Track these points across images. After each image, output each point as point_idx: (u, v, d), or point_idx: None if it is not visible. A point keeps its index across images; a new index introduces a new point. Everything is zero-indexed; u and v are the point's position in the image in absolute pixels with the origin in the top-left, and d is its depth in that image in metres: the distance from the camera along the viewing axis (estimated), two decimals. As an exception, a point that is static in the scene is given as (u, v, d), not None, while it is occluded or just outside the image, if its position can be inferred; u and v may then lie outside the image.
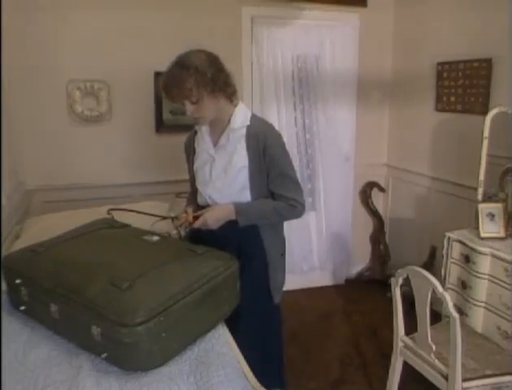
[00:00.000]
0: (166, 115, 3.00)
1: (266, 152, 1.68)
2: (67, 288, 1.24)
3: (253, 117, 1.75)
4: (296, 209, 1.73)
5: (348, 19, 3.40)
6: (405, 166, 3.51)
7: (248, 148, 1.69)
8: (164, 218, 2.16)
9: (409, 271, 1.87)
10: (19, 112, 2.68)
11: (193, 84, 1.57)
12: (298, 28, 3.26)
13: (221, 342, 1.30)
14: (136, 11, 2.85)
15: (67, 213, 2.23)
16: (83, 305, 1.18)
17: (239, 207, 1.69)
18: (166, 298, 1.19)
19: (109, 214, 2.03)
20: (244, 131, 1.71)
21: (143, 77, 2.92)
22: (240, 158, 1.70)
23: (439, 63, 3.06)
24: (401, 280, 1.93)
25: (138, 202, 2.41)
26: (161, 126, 3.01)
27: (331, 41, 3.35)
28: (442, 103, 3.09)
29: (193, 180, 1.92)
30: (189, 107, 1.62)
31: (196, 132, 1.86)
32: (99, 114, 2.85)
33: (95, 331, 1.13)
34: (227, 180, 1.72)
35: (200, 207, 1.84)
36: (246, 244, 1.74)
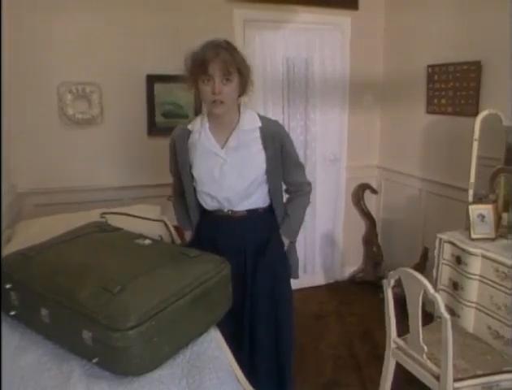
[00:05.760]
0: (158, 118, 3.00)
1: (284, 149, 1.76)
2: (57, 292, 1.24)
3: (260, 117, 1.76)
4: (310, 192, 1.90)
5: (339, 23, 3.41)
6: (397, 167, 3.53)
7: (266, 148, 1.71)
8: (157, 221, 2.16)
9: (400, 273, 1.88)
10: (9, 114, 2.66)
11: (240, 62, 1.61)
12: (290, 32, 3.27)
13: (213, 345, 1.30)
14: (128, 14, 2.84)
15: (58, 216, 2.21)
16: (74, 310, 1.17)
17: (289, 235, 1.84)
18: (158, 302, 1.19)
19: (102, 217, 2.03)
20: (257, 132, 1.72)
21: (135, 80, 2.91)
22: (259, 160, 1.71)
23: (429, 66, 3.09)
24: (392, 282, 1.94)
25: (130, 205, 2.41)
26: (153, 129, 3.00)
27: (323, 44, 3.36)
28: (433, 105, 3.12)
29: (180, 182, 1.83)
30: (219, 84, 1.58)
31: (190, 132, 1.77)
32: (91, 117, 2.83)
33: (86, 335, 1.12)
34: (245, 181, 1.71)
35: (209, 214, 1.80)
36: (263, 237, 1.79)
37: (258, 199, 1.77)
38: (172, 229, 2.16)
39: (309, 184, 1.90)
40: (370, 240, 3.70)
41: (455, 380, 1.75)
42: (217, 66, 1.56)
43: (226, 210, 1.75)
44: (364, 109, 3.60)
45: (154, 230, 2.03)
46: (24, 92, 2.69)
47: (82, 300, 1.18)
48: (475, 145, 2.44)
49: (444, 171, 3.06)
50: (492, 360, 1.89)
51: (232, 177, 1.69)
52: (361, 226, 3.76)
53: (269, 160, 1.72)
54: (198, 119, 1.78)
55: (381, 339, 2.22)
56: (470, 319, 2.24)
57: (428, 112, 3.17)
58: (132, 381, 1.12)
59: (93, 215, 2.03)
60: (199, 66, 1.58)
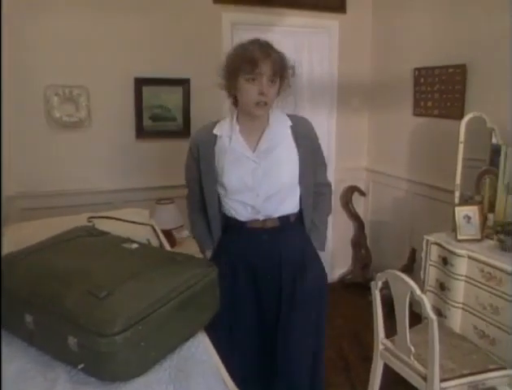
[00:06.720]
0: (146, 122, 2.99)
1: (315, 148, 1.75)
2: (42, 297, 1.22)
3: (289, 115, 1.73)
4: (331, 195, 1.90)
5: (327, 26, 3.44)
6: (385, 170, 3.56)
7: (299, 147, 1.67)
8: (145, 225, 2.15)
9: (388, 275, 1.90)
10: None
11: (287, 65, 1.60)
12: (278, 35, 3.27)
13: (201, 350, 1.29)
14: (115, 16, 2.83)
15: (45, 220, 2.19)
16: (59, 315, 1.15)
17: (320, 246, 1.80)
18: (144, 306, 1.18)
19: (89, 221, 2.01)
20: (289, 131, 1.68)
21: (123, 83, 2.91)
22: (292, 160, 1.66)
23: (416, 69, 3.13)
24: (380, 284, 1.95)
25: (119, 209, 2.39)
26: (141, 132, 2.99)
27: (311, 48, 3.39)
28: (420, 108, 3.16)
29: (201, 193, 1.75)
30: (266, 83, 1.54)
31: (216, 137, 1.68)
32: (78, 120, 2.82)
33: (72, 341, 1.11)
34: (281, 184, 1.65)
35: (236, 226, 1.70)
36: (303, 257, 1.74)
37: (292, 203, 1.70)
38: (160, 233, 2.15)
39: (329, 185, 1.88)
40: (358, 242, 3.72)
41: (442, 380, 1.77)
42: (267, 66, 1.53)
43: (261, 219, 1.66)
44: (352, 111, 3.63)
45: (142, 234, 2.02)
46: (9, 93, 2.67)
47: (68, 305, 1.16)
48: (461, 147, 2.48)
49: (431, 173, 3.10)
50: (477, 359, 1.92)
51: (267, 181, 1.62)
52: (349, 228, 3.78)
53: (301, 159, 1.67)
54: (225, 122, 1.70)
55: (370, 340, 2.23)
56: (456, 320, 2.26)
57: (415, 115, 3.21)
58: (119, 387, 1.11)
59: (82, 219, 2.01)
60: (248, 63, 1.52)
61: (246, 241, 1.69)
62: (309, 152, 1.70)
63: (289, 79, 1.64)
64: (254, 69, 1.52)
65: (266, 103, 1.57)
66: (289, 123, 1.69)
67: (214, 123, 1.72)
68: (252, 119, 1.64)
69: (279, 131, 1.67)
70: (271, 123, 1.66)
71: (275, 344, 1.67)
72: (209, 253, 1.81)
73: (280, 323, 1.67)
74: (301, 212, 1.73)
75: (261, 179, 1.62)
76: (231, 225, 1.73)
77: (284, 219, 1.69)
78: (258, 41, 1.59)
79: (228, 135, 1.66)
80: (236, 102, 1.69)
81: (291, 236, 1.71)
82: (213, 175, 1.68)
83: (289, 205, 1.70)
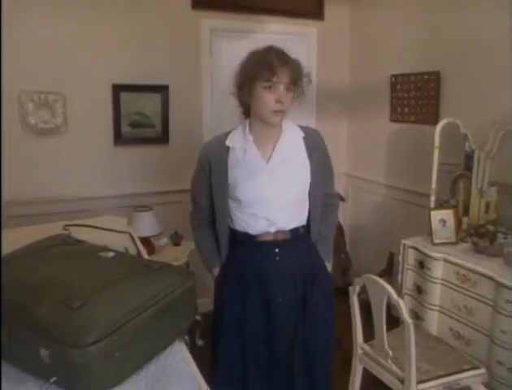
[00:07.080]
0: (124, 128, 2.96)
1: (325, 159, 1.75)
2: (15, 308, 1.19)
3: (300, 127, 1.71)
4: (337, 206, 1.91)
5: (305, 33, 3.49)
6: (364, 175, 3.61)
7: (311, 159, 1.65)
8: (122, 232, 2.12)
9: (365, 280, 1.92)
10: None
11: (303, 74, 1.59)
12: (257, 41, 3.27)
13: (178, 358, 1.28)
14: (93, 21, 2.81)
15: (19, 229, 2.14)
16: (31, 326, 1.13)
17: (327, 257, 1.79)
18: (120, 316, 1.16)
19: (65, 230, 1.98)
20: (302, 142, 1.66)
21: (100, 89, 2.88)
22: (305, 171, 1.64)
23: (392, 75, 3.19)
24: (358, 289, 1.98)
25: (96, 217, 2.36)
26: (119, 139, 2.96)
27: (290, 54, 3.41)
28: (396, 114, 3.22)
29: (212, 208, 1.70)
30: (283, 91, 1.51)
31: (228, 149, 1.64)
32: (54, 127, 2.78)
33: (44, 353, 1.09)
34: (295, 195, 1.63)
35: (246, 241, 1.65)
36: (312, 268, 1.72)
37: (303, 215, 1.68)
38: (138, 241, 2.13)
39: (337, 196, 1.89)
40: (338, 246, 3.74)
41: (418, 382, 1.80)
42: (285, 74, 1.50)
43: (273, 231, 1.63)
44: (331, 117, 3.67)
45: (120, 242, 1.99)
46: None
47: (40, 316, 1.14)
48: (436, 152, 2.53)
49: (408, 178, 3.15)
50: (452, 360, 1.95)
51: (281, 192, 1.60)
52: (329, 232, 3.80)
53: (313, 170, 1.65)
54: (237, 133, 1.65)
55: (350, 345, 2.24)
56: (433, 322, 2.31)
57: (392, 120, 3.26)
58: (94, 399, 1.10)
59: (57, 228, 1.97)
60: (266, 70, 1.49)
61: (256, 256, 1.65)
62: (320, 163, 1.69)
63: (303, 87, 1.62)
64: (272, 77, 1.49)
65: (282, 111, 1.55)
66: (302, 134, 1.67)
67: (226, 134, 1.68)
68: (266, 129, 1.61)
69: (293, 141, 1.65)
70: (284, 133, 1.63)
71: (290, 358, 1.65)
72: (216, 271, 1.76)
73: (295, 338, 1.65)
74: (308, 223, 1.71)
75: (275, 190, 1.59)
76: (239, 240, 1.68)
77: (294, 232, 1.66)
78: (273, 48, 1.58)
79: (242, 146, 1.62)
80: (246, 112, 1.66)
81: (301, 248, 1.69)
82: (225, 188, 1.63)
83: (301, 216, 1.68)
